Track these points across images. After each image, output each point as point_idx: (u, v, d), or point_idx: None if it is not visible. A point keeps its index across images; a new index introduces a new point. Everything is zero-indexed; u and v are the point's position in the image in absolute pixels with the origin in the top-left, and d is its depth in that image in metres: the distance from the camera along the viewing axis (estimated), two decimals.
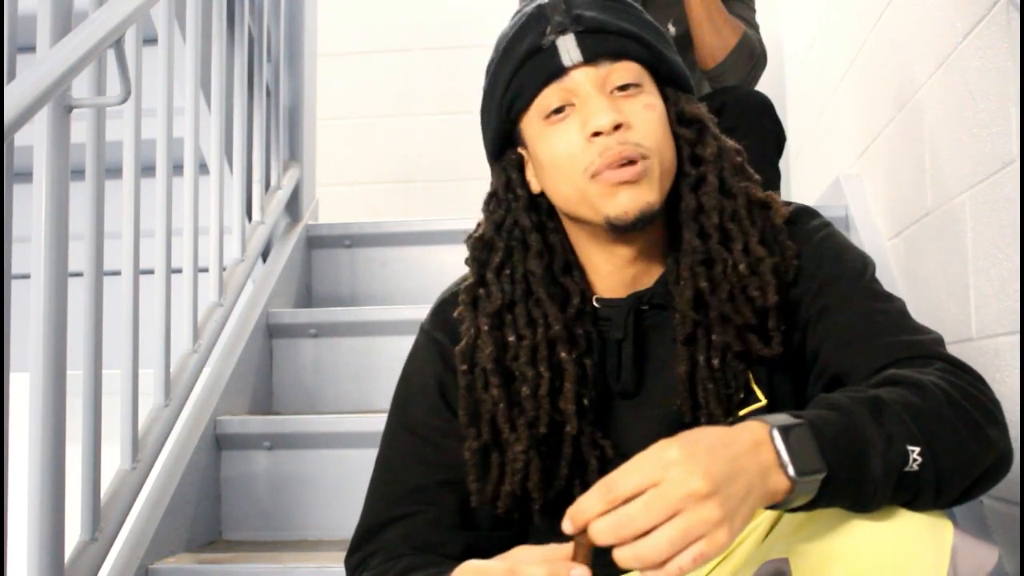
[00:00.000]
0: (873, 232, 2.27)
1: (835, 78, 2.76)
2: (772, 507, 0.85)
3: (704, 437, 0.82)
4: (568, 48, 1.03)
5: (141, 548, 1.65)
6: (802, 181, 3.41)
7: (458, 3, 3.87)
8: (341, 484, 1.92)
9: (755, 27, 2.40)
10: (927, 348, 1.00)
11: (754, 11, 2.42)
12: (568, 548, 0.81)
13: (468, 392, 1.07)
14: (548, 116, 1.04)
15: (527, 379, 1.04)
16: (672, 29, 2.35)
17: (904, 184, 2.06)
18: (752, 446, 0.82)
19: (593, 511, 0.78)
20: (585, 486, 1.02)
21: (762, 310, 1.02)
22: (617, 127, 1.01)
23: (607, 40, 1.03)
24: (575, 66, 1.03)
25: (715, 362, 1.03)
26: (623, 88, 1.03)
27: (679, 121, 1.07)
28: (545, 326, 1.05)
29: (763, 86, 2.38)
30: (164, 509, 1.73)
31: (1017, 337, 1.44)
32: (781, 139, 2.27)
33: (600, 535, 0.78)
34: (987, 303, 1.57)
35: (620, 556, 0.78)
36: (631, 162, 1.00)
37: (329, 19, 3.28)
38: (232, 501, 1.95)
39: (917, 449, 0.87)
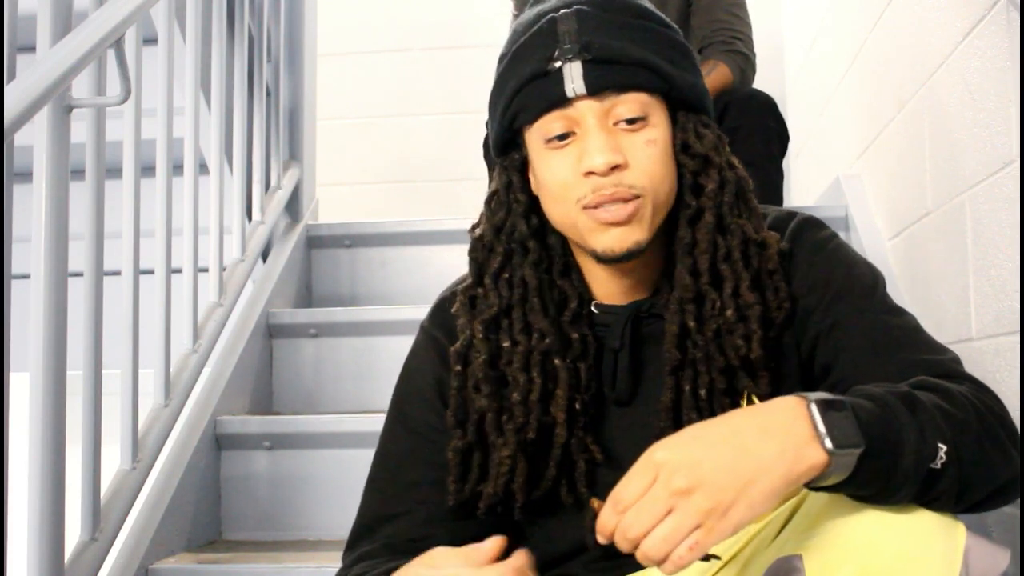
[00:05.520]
0: (873, 232, 2.27)
1: (835, 78, 2.76)
2: (806, 485, 0.85)
3: (704, 432, 0.85)
4: (573, 77, 1.00)
5: (141, 548, 1.65)
6: (802, 181, 3.41)
7: (458, 3, 3.87)
8: (341, 484, 1.92)
9: (746, 26, 2.41)
10: (950, 368, 1.00)
11: (744, 10, 2.43)
12: (487, 547, 0.91)
13: (459, 392, 1.08)
14: (549, 140, 1.03)
15: (519, 385, 1.04)
16: None
17: (904, 184, 2.06)
18: (787, 422, 0.84)
19: (610, 526, 0.84)
20: (572, 487, 1.06)
21: (746, 358, 1.02)
22: (614, 168, 0.99)
23: (614, 71, 1.00)
24: (579, 97, 1.01)
25: (702, 393, 1.03)
26: (628, 121, 1.01)
27: (684, 150, 1.04)
28: (540, 335, 1.05)
29: (763, 86, 2.39)
30: (164, 509, 1.73)
31: (1017, 337, 1.44)
32: (784, 138, 2.28)
33: (620, 545, 0.84)
34: (987, 303, 1.57)
35: (637, 556, 0.83)
36: (624, 200, 1.00)
37: (329, 19, 3.28)
38: (232, 501, 1.95)
39: (945, 448, 0.87)
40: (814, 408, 0.84)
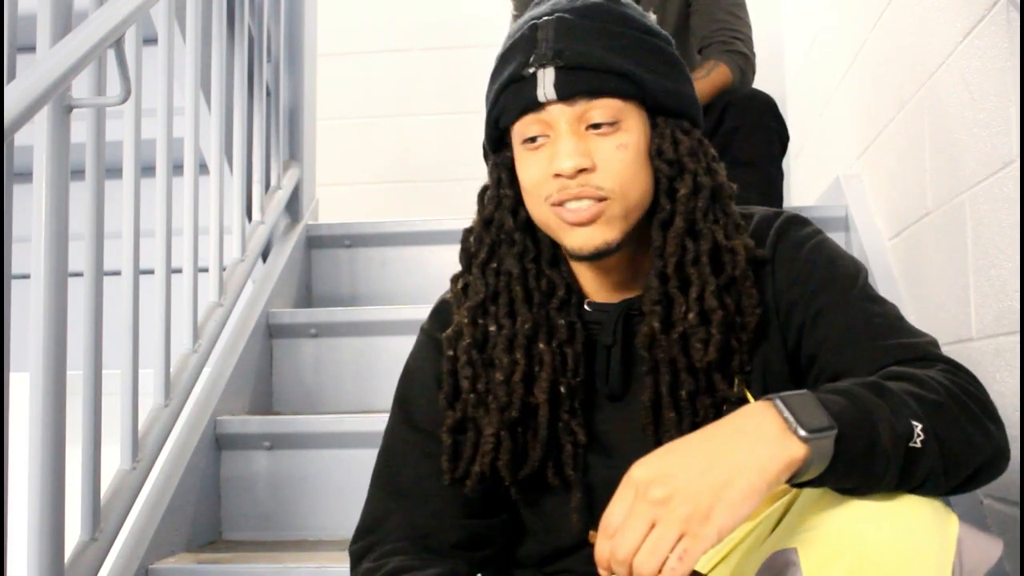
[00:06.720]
0: (873, 232, 2.27)
1: (835, 78, 2.76)
2: (787, 480, 0.86)
3: (677, 445, 0.88)
4: (546, 83, 1.03)
5: (141, 548, 1.65)
6: (802, 181, 3.41)
7: (458, 3, 3.87)
8: (341, 484, 1.92)
9: (746, 26, 2.41)
10: (925, 350, 1.02)
11: (744, 10, 2.42)
12: None
13: (450, 376, 1.11)
14: (525, 142, 1.06)
15: (503, 366, 1.08)
16: (653, 17, 2.37)
17: (904, 184, 2.06)
18: (756, 422, 0.86)
19: (605, 554, 0.85)
20: (558, 468, 1.09)
21: (708, 362, 1.04)
22: (581, 171, 1.02)
23: (585, 78, 1.03)
24: (550, 102, 1.04)
25: (682, 393, 1.05)
26: (598, 126, 1.04)
27: (658, 155, 1.06)
28: (524, 320, 1.08)
29: (763, 86, 2.38)
30: (164, 509, 1.73)
31: (1017, 337, 1.44)
32: (784, 138, 2.28)
33: (618, 572, 0.84)
34: (987, 303, 1.57)
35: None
36: (590, 199, 1.02)
37: (329, 19, 3.28)
38: (232, 501, 1.95)
39: (920, 425, 0.89)
40: (779, 403, 0.87)
